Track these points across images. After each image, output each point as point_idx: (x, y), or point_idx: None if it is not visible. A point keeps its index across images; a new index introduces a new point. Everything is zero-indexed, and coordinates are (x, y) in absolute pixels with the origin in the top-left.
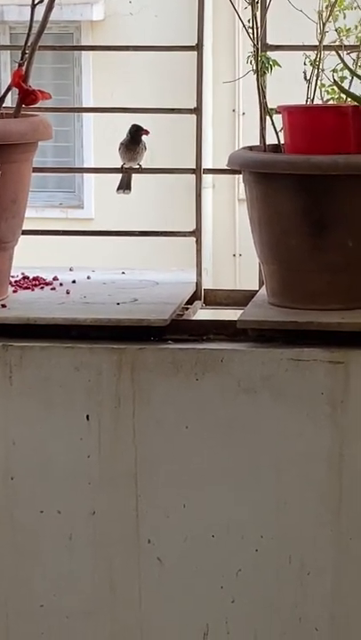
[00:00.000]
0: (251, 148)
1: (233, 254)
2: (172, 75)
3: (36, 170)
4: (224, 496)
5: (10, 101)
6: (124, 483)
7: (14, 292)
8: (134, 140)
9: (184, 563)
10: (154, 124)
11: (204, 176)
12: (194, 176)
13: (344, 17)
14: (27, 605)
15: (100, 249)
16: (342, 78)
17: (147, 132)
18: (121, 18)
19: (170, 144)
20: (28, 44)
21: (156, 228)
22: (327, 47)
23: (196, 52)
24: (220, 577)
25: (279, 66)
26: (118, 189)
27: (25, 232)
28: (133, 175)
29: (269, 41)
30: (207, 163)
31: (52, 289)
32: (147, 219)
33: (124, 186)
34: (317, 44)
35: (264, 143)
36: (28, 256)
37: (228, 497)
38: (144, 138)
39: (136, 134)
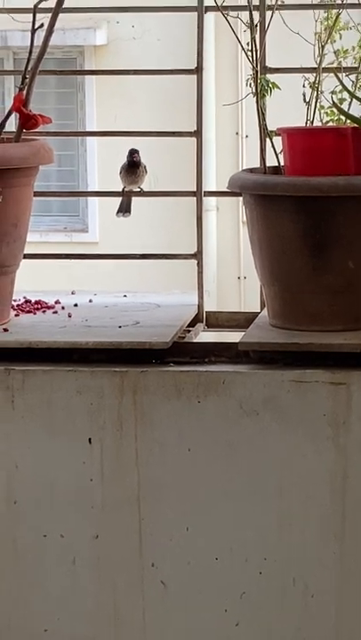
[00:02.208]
0: (251, 171)
1: (237, 277)
2: (175, 98)
3: (38, 194)
4: (227, 518)
5: (12, 126)
6: (127, 506)
7: (16, 315)
8: (133, 163)
9: (188, 586)
10: (158, 147)
11: (208, 199)
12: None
13: (340, 37)
14: (30, 630)
15: (104, 272)
16: (341, 100)
17: (134, 157)
18: (124, 42)
19: (174, 167)
20: (29, 68)
21: (161, 251)
22: (326, 69)
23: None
24: (224, 600)
25: (279, 88)
26: (118, 212)
27: (27, 256)
28: (137, 198)
29: (270, 63)
30: (211, 186)
31: (53, 312)
32: (151, 242)
33: (124, 209)
34: (316, 66)
35: (264, 165)
36: (32, 280)
37: (232, 519)
38: (145, 161)
39: (130, 158)
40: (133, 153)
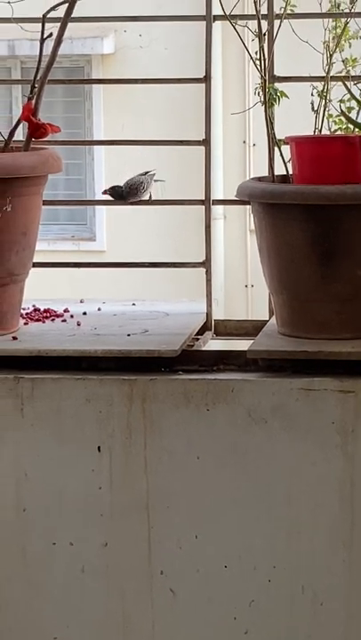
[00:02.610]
0: (259, 179)
1: (245, 285)
2: (182, 107)
3: (46, 202)
4: (236, 526)
5: (20, 135)
6: (136, 514)
7: (25, 324)
8: (114, 194)
9: (197, 594)
10: (165, 155)
11: (215, 207)
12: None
13: (350, 46)
14: (39, 637)
15: (112, 280)
16: (350, 109)
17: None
18: (131, 51)
19: (181, 175)
20: (38, 77)
21: (168, 259)
22: (334, 78)
23: (204, 84)
24: (233, 608)
25: (287, 97)
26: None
27: (36, 264)
28: (144, 207)
29: (278, 72)
30: (218, 194)
31: (62, 321)
32: (159, 250)
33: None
34: (325, 74)
35: (272, 174)
36: (39, 288)
37: (240, 527)
38: (159, 172)
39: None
40: (110, 190)
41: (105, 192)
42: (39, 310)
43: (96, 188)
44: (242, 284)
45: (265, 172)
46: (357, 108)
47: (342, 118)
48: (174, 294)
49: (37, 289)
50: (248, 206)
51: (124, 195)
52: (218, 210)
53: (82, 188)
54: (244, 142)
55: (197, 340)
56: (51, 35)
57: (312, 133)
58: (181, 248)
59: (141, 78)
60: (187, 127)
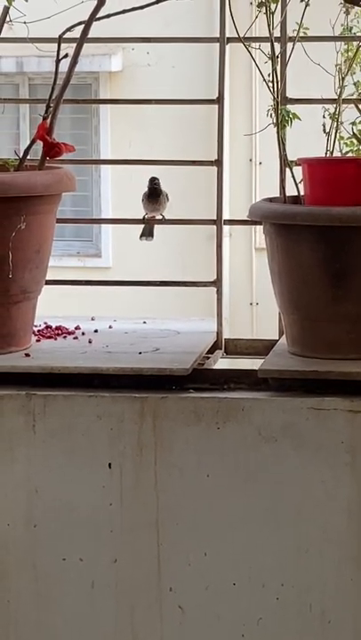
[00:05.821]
0: (271, 200)
1: (250, 303)
2: (190, 123)
3: (58, 220)
4: (245, 544)
5: (33, 153)
6: (145, 531)
7: (37, 341)
8: (154, 191)
9: (205, 611)
10: (171, 173)
11: None
12: (211, 225)
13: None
14: None
15: (119, 297)
16: None
17: (155, 185)
18: (139, 69)
19: (186, 192)
20: (53, 97)
21: (173, 277)
22: (346, 100)
23: (216, 105)
24: (242, 625)
25: (299, 119)
26: (141, 237)
27: (48, 282)
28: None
29: (289, 94)
30: (225, 212)
31: (74, 338)
32: (163, 267)
33: (147, 233)
34: (336, 97)
35: (284, 195)
36: (45, 304)
37: (249, 545)
38: (166, 189)
39: (151, 185)
40: (154, 181)
41: (154, 179)
42: (51, 327)
43: (102, 204)
44: (247, 301)
45: (271, 191)
46: None
47: (354, 140)
48: (182, 310)
49: (42, 304)
50: (254, 224)
51: (160, 192)
52: (224, 228)
53: (88, 205)
54: (251, 160)
55: (208, 358)
56: (66, 55)
57: (323, 154)
58: (188, 263)
59: (155, 99)
60: (194, 143)
